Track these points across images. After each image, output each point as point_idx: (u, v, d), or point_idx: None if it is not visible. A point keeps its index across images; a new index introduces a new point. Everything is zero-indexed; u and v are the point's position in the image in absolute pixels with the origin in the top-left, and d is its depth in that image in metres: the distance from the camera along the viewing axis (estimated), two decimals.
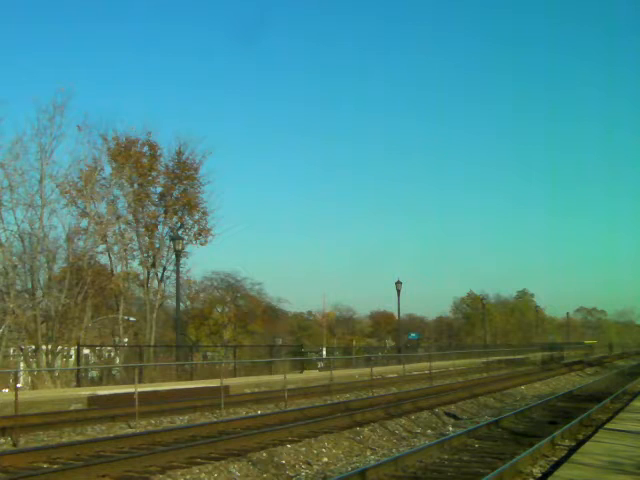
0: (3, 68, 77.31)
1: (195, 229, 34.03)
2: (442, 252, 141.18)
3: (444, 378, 31.80)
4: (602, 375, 36.55)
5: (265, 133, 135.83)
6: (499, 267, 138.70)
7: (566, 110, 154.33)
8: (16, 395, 13.33)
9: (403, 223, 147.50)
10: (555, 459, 10.49)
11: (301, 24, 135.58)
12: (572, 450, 10.69)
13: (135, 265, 33.08)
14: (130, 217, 32.33)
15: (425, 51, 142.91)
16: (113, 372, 27.41)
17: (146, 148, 33.27)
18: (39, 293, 25.72)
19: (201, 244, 34.06)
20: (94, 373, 27.50)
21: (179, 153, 34.09)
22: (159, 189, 33.98)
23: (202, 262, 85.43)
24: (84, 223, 28.62)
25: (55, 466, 9.84)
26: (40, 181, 26.05)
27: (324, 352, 48.40)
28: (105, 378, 26.27)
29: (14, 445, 12.09)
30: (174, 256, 30.97)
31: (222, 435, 12.64)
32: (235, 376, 27.65)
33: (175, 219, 33.93)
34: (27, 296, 25.57)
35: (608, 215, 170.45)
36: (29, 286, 25.65)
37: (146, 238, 32.90)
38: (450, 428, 15.12)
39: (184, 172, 34.08)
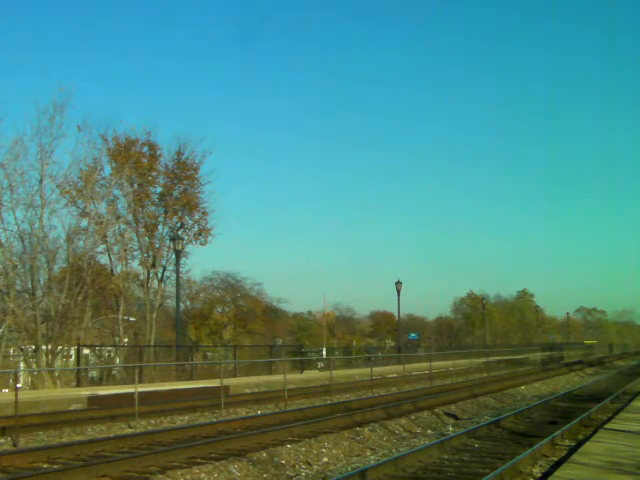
0: (3, 68, 77.27)
1: (195, 229, 34.11)
2: (442, 252, 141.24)
3: (444, 378, 31.79)
4: (602, 375, 36.55)
5: (265, 133, 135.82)
6: (499, 267, 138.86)
7: (566, 110, 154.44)
8: (16, 395, 13.31)
9: (403, 223, 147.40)
10: (555, 459, 10.49)
11: (300, 25, 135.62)
12: (572, 450, 10.69)
13: (135, 265, 33.14)
14: (130, 217, 32.34)
15: (424, 52, 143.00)
16: (113, 372, 27.40)
17: (146, 148, 33.30)
18: (39, 293, 25.70)
19: (201, 244, 34.14)
20: (94, 373, 27.49)
21: (179, 153, 34.12)
22: (159, 189, 34.02)
23: (202, 262, 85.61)
24: (84, 223, 28.62)
25: (55, 466, 9.84)
26: (40, 181, 26.03)
27: (324, 352, 48.38)
28: (105, 378, 26.27)
29: (14, 445, 12.08)
30: (174, 256, 30.97)
31: (222, 435, 12.64)
32: (235, 376, 27.63)
33: (175, 219, 33.96)
34: (27, 296, 25.54)
35: (608, 215, 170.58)
36: (29, 286, 25.62)
37: (146, 238, 32.91)
38: (450, 428, 15.12)
39: (184, 172, 34.08)
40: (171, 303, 36.34)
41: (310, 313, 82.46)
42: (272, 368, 31.12)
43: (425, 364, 34.89)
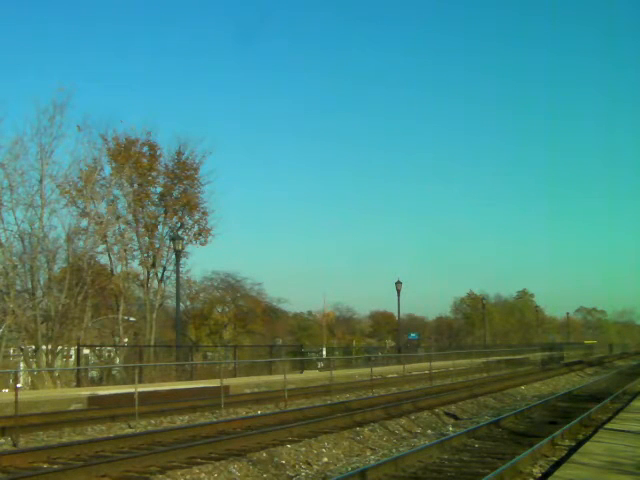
0: (3, 68, 77.25)
1: (195, 229, 34.13)
2: (442, 252, 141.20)
3: (444, 378, 31.78)
4: (602, 375, 36.55)
5: (265, 133, 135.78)
6: (499, 267, 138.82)
7: (566, 110, 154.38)
8: (16, 395, 13.31)
9: (403, 223, 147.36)
10: (555, 459, 10.49)
11: (300, 25, 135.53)
12: (572, 450, 10.69)
13: (135, 265, 33.15)
14: (130, 217, 32.35)
15: (424, 52, 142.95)
16: (113, 372, 27.39)
17: (146, 148, 33.31)
18: (39, 293, 25.69)
19: (201, 244, 34.16)
20: (94, 373, 27.48)
21: (179, 153, 34.13)
22: (159, 189, 34.03)
23: (202, 262, 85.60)
24: (84, 223, 28.61)
25: (55, 466, 9.84)
26: (40, 181, 26.02)
27: (324, 352, 48.37)
28: (105, 378, 26.26)
29: (14, 445, 12.08)
30: (174, 256, 30.98)
31: (222, 435, 12.64)
32: (235, 376, 27.63)
33: (175, 219, 33.97)
34: (27, 296, 25.54)
35: (608, 215, 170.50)
36: (29, 286, 25.61)
37: (146, 238, 32.91)
38: (450, 428, 15.12)
39: (184, 172, 34.10)
40: (171, 303, 36.40)
41: (310, 313, 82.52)
42: (272, 368, 31.11)
43: (425, 364, 34.88)
